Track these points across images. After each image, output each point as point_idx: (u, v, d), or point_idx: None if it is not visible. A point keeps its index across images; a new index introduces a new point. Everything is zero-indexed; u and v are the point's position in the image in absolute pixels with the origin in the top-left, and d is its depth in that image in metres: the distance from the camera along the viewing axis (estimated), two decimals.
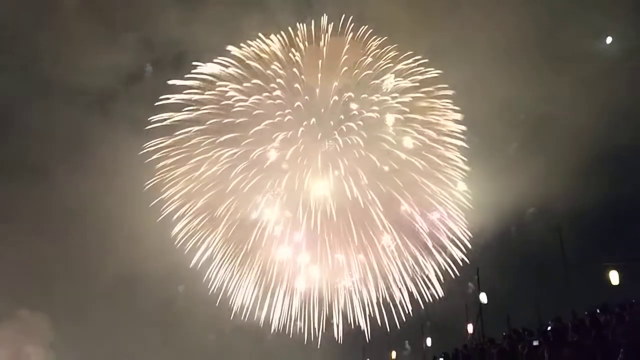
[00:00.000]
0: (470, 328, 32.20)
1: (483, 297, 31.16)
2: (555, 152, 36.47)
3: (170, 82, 38.40)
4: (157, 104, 38.00)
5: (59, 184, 39.94)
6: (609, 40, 37.53)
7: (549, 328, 15.69)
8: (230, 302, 38.36)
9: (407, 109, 38.45)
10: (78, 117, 42.03)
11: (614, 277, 22.82)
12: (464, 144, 38.01)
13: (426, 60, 38.69)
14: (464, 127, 38.05)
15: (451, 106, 38.65)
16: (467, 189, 37.72)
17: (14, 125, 41.81)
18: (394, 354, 37.92)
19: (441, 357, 18.66)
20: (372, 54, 39.40)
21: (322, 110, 38.87)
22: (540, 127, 38.17)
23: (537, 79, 37.28)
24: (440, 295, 37.54)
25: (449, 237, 37.83)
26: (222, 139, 38.30)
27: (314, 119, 38.51)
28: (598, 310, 14.27)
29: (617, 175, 33.99)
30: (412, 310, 37.57)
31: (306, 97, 38.75)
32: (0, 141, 41.61)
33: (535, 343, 11.05)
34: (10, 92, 40.42)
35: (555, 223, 31.07)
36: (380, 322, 37.60)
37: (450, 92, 38.42)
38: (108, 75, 41.41)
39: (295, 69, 38.83)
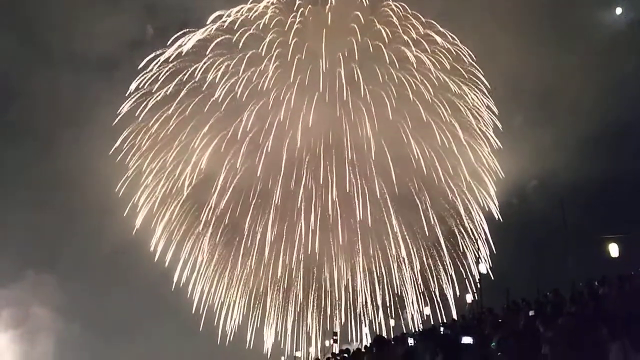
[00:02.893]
0: (468, 298, 32.56)
1: (482, 268, 31.51)
2: (558, 124, 36.23)
3: (151, 55, 37.23)
4: (130, 88, 37.22)
5: (62, 149, 40.05)
6: (618, 11, 36.92)
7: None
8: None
9: (418, 83, 37.06)
10: (80, 82, 41.87)
11: (614, 249, 22.91)
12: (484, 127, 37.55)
13: (439, 28, 37.54)
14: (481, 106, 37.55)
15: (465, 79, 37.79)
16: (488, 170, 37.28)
17: (17, 91, 41.72)
18: (392, 322, 38.44)
19: (440, 326, 18.94)
20: (383, 21, 37.40)
21: (327, 83, 36.76)
22: (545, 98, 37.83)
23: (544, 50, 36.77)
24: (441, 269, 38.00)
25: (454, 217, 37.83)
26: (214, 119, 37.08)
27: (317, 94, 36.42)
28: (596, 282, 14.34)
29: (620, 149, 33.88)
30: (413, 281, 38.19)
31: (310, 66, 36.77)
32: (3, 107, 41.63)
33: (532, 313, 11.17)
34: (11, 57, 40.22)
35: (557, 195, 31.09)
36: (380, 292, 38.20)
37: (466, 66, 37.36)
38: (110, 41, 41.01)
39: (296, 37, 36.95)
